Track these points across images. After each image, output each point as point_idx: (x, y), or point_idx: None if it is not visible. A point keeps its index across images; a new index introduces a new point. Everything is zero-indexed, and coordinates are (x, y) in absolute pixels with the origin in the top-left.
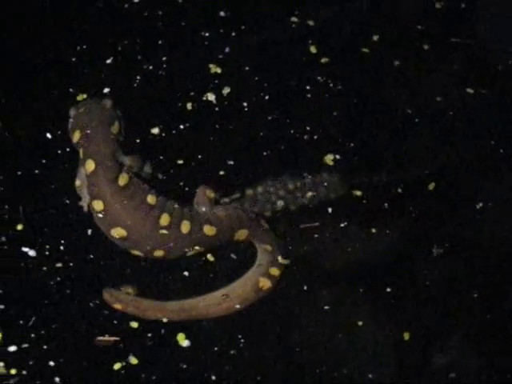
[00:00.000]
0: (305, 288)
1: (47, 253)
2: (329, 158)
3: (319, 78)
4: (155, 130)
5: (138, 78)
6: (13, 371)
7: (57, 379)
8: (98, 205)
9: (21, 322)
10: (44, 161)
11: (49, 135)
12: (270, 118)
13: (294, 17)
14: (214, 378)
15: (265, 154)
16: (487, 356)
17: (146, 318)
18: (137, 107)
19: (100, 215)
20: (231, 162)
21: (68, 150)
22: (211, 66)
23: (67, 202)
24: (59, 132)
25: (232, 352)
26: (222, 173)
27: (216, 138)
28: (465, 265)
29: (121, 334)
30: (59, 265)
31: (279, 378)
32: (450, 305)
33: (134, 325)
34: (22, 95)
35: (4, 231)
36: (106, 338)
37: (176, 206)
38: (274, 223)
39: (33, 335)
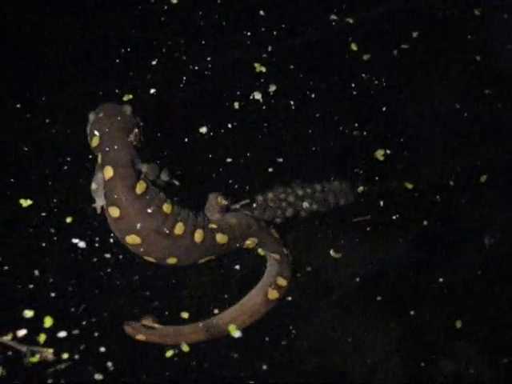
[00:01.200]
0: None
1: (97, 244)
2: (379, 154)
3: (363, 75)
4: (203, 129)
5: (184, 78)
6: (65, 355)
7: (109, 364)
8: (114, 211)
9: (72, 309)
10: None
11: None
12: (317, 115)
13: (334, 15)
14: (264, 367)
15: (314, 149)
16: (495, 362)
17: (169, 344)
18: (184, 107)
19: (115, 222)
20: (280, 160)
21: None
22: (256, 65)
23: None
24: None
25: (283, 343)
26: (270, 170)
27: (265, 136)
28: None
29: (173, 322)
30: (108, 255)
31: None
32: (459, 313)
33: (185, 315)
34: (69, 96)
35: (54, 223)
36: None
37: (190, 214)
38: (285, 231)
39: (84, 322)
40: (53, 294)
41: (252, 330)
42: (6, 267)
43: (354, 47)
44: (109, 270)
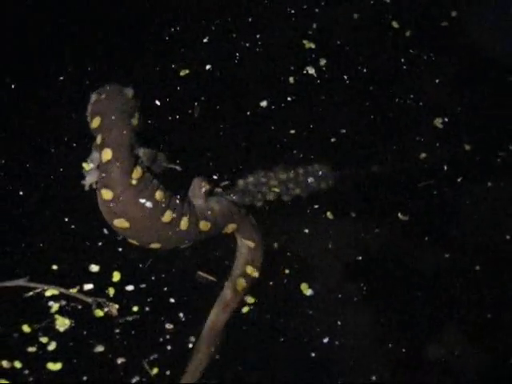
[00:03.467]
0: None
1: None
2: (438, 122)
3: (411, 50)
4: (264, 103)
5: (237, 54)
6: (135, 308)
7: (181, 315)
8: (106, 194)
9: (139, 265)
10: None
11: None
12: (371, 88)
13: None
14: (339, 323)
15: (374, 118)
16: (482, 348)
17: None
18: (241, 82)
19: (106, 204)
20: (343, 131)
21: None
22: (305, 41)
23: None
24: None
25: (355, 299)
26: (333, 140)
27: (324, 109)
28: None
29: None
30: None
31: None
32: (445, 298)
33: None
34: (124, 71)
35: None
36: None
37: (179, 201)
38: (265, 215)
39: (153, 278)
40: (120, 249)
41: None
42: (73, 226)
43: (395, 24)
44: None
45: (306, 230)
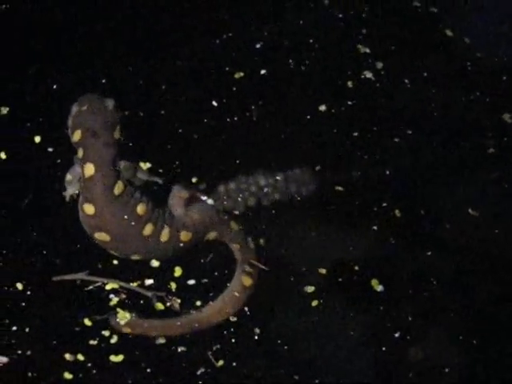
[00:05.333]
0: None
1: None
2: (507, 116)
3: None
4: (322, 107)
5: (291, 61)
6: (198, 303)
7: (245, 308)
8: (88, 209)
9: (201, 260)
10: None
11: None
12: (433, 91)
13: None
14: (410, 318)
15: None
16: (466, 350)
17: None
18: (297, 87)
19: (88, 218)
20: (409, 132)
21: None
22: (359, 46)
23: None
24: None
25: (425, 294)
26: (396, 139)
27: (385, 113)
28: (445, 262)
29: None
30: None
31: None
32: (429, 301)
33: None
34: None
35: None
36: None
37: (160, 212)
38: (247, 221)
39: (215, 273)
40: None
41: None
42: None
43: (449, 32)
44: None
45: (287, 235)
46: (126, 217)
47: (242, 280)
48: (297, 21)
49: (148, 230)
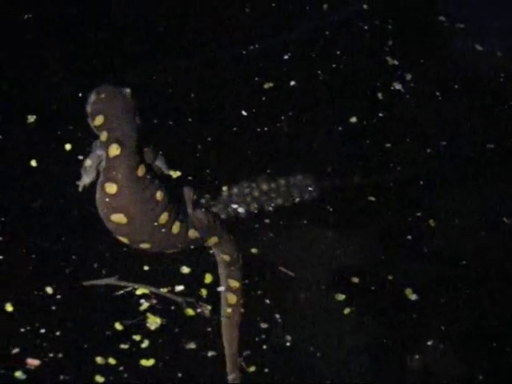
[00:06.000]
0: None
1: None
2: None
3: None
4: (353, 119)
5: (319, 72)
6: (228, 310)
7: (276, 315)
8: (111, 188)
9: (231, 267)
10: None
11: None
12: (464, 101)
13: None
14: (442, 328)
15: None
16: (463, 358)
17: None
18: (327, 99)
19: (108, 198)
20: (444, 143)
21: None
22: (388, 58)
23: None
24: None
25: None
26: (428, 150)
27: (416, 123)
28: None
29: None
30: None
31: None
32: (427, 308)
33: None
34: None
35: None
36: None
37: (175, 205)
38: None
39: (246, 280)
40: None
41: None
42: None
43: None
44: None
45: (288, 240)
46: (145, 200)
47: (227, 298)
48: (323, 32)
49: (163, 218)
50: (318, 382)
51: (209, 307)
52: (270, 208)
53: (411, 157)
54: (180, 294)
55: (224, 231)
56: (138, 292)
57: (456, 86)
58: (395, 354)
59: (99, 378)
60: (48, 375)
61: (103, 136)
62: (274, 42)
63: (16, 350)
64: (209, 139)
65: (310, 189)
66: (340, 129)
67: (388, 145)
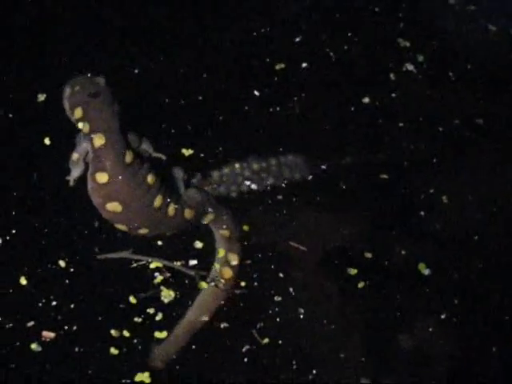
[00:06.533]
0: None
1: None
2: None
3: None
4: (366, 100)
5: (331, 54)
6: (242, 283)
7: (290, 289)
8: (102, 177)
9: (244, 242)
10: None
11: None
12: (478, 82)
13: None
14: (456, 301)
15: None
16: (455, 338)
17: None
18: (339, 80)
19: (100, 187)
20: (457, 121)
21: None
22: (399, 40)
23: None
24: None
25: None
26: (440, 129)
27: (429, 103)
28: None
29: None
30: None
31: None
32: (418, 287)
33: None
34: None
35: None
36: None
37: (168, 187)
38: (239, 206)
39: (259, 255)
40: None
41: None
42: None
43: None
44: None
45: (278, 219)
46: (137, 186)
47: (223, 272)
48: (334, 14)
49: (158, 201)
50: (332, 353)
51: (222, 281)
52: (260, 187)
53: (424, 135)
54: (193, 268)
55: (220, 207)
56: (152, 266)
57: (469, 67)
58: (408, 328)
59: (114, 351)
60: (63, 347)
61: (85, 128)
62: (284, 23)
63: (31, 323)
64: (220, 118)
65: (319, 167)
66: (352, 109)
67: (401, 124)
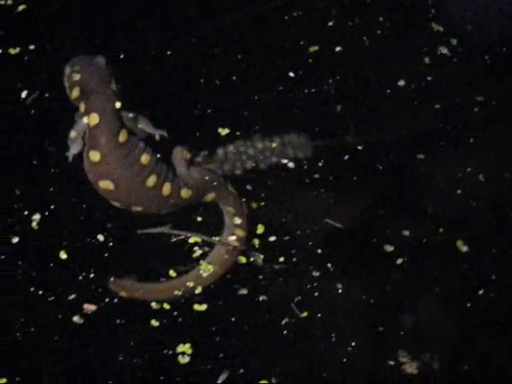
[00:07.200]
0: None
1: None
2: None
3: None
4: (401, 83)
5: (365, 39)
6: (281, 259)
7: (328, 265)
8: (94, 155)
9: (282, 219)
10: None
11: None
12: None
13: None
14: (493, 277)
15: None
16: (456, 317)
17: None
18: (373, 64)
19: (93, 166)
20: (493, 102)
21: None
22: (432, 24)
23: None
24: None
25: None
26: (476, 109)
27: (463, 86)
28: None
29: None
30: None
31: None
32: (383, 262)
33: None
34: None
35: None
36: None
37: (164, 166)
38: (243, 184)
39: (298, 232)
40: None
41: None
42: None
43: None
44: None
45: (282, 197)
46: (130, 165)
47: (229, 243)
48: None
49: (151, 181)
50: (369, 327)
51: (261, 256)
52: (265, 166)
53: (461, 116)
54: (232, 242)
55: (223, 186)
56: (191, 240)
57: (504, 50)
58: (451, 304)
59: (154, 322)
60: (104, 319)
61: (82, 107)
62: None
63: (73, 296)
64: (255, 97)
65: (303, 147)
66: (388, 91)
67: (437, 106)
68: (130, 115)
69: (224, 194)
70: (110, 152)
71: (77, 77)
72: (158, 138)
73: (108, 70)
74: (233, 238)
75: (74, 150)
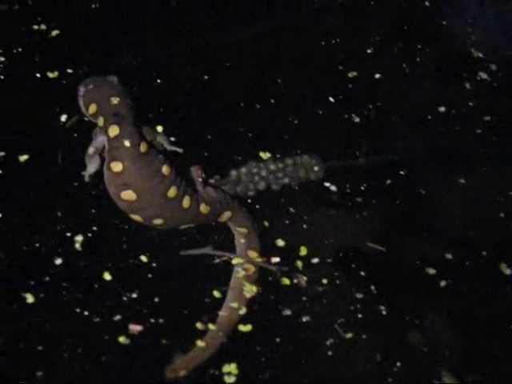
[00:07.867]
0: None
1: None
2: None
3: None
4: (442, 109)
5: (404, 65)
6: (324, 281)
7: (372, 287)
8: (116, 166)
9: (325, 241)
10: None
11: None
12: None
13: None
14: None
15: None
16: (463, 333)
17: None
18: (414, 90)
19: (115, 176)
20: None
21: None
22: (472, 50)
23: None
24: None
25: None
26: (487, 118)
27: (505, 110)
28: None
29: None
30: None
31: None
32: (426, 285)
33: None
34: None
35: None
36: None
37: (183, 180)
38: (256, 205)
39: (340, 254)
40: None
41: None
42: None
43: None
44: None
45: (294, 219)
46: (151, 175)
47: (245, 269)
48: (403, 26)
49: (172, 192)
50: (415, 349)
51: (304, 278)
52: (277, 187)
53: (502, 141)
54: (276, 265)
55: (237, 206)
56: (234, 261)
57: None
58: (491, 327)
59: (200, 343)
60: (150, 339)
61: (100, 121)
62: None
63: (118, 317)
64: (295, 122)
65: (316, 168)
66: (429, 117)
67: (479, 131)
68: (148, 128)
69: (238, 213)
70: (133, 161)
71: (92, 93)
72: (180, 151)
73: (122, 87)
74: (275, 259)
75: (91, 169)
